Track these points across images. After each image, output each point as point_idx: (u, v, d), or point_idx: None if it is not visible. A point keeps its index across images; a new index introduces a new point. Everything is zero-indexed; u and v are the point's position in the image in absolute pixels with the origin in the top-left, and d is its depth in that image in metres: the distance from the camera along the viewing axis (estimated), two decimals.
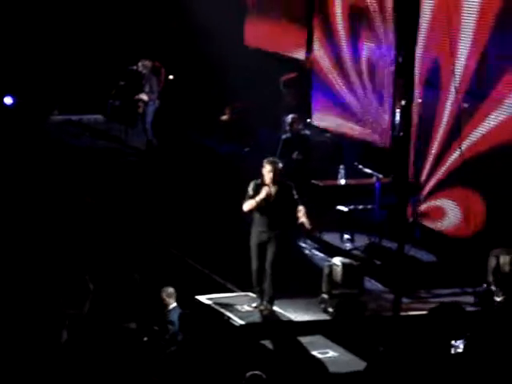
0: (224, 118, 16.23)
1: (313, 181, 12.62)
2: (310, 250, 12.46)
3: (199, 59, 16.35)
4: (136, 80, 16.19)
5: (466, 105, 11.76)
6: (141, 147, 16.11)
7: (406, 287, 9.69)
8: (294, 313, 10.51)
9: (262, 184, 10.23)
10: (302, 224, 10.33)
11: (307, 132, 13.98)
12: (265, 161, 10.31)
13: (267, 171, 10.18)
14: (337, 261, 10.74)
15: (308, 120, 14.62)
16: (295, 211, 10.29)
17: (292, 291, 10.90)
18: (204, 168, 14.93)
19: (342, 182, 12.73)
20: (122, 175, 14.86)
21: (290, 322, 10.39)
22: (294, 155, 13.15)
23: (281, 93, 15.67)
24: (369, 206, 12.28)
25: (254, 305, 10.51)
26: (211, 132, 16.43)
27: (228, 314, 10.44)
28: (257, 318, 10.42)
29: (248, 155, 15.13)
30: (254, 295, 10.79)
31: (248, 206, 10.25)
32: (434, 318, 9.47)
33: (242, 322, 10.29)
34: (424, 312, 10.30)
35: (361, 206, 12.31)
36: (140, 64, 15.94)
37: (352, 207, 12.31)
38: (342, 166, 12.79)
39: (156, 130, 16.02)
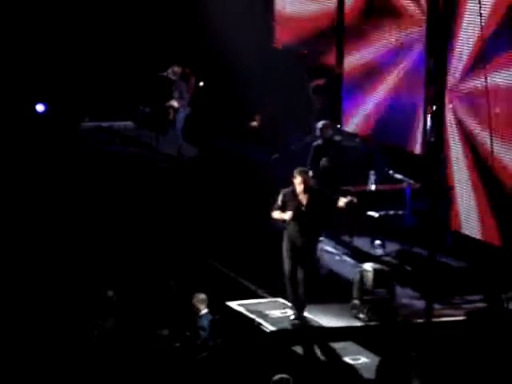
0: (254, 124, 16.24)
1: (343, 187, 12.59)
2: (340, 256, 12.44)
3: (230, 65, 16.37)
4: (166, 86, 16.25)
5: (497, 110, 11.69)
6: (172, 154, 16.15)
7: (437, 293, 9.62)
8: (325, 319, 10.49)
9: (293, 194, 10.31)
10: (344, 206, 10.37)
11: (338, 138, 13.96)
12: (295, 171, 10.38)
13: (298, 182, 10.27)
14: (368, 266, 10.72)
15: (338, 126, 14.60)
16: (333, 206, 10.39)
17: (323, 297, 10.88)
18: (233, 175, 14.95)
19: (373, 187, 12.70)
20: (152, 182, 14.90)
21: (322, 328, 10.37)
22: (323, 161, 13.14)
23: (310, 99, 15.66)
24: (400, 212, 12.24)
25: (289, 313, 10.44)
26: (241, 138, 16.45)
27: (259, 319, 10.44)
28: (288, 324, 10.41)
29: (277, 162, 15.13)
30: (284, 301, 10.80)
31: (275, 216, 10.41)
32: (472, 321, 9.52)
33: (273, 328, 10.29)
34: (456, 318, 10.40)
35: (392, 212, 12.28)
36: (170, 70, 15.99)
37: (383, 213, 12.28)
38: (372, 172, 12.76)
39: (189, 137, 16.06)
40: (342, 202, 10.36)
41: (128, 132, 17.48)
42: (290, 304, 10.50)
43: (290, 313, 10.46)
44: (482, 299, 10.77)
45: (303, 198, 10.28)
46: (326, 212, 10.52)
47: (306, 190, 10.25)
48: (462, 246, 11.93)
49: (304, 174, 10.35)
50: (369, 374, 9.25)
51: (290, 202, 10.33)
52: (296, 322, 10.35)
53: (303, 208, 10.27)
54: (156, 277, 11.32)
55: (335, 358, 9.84)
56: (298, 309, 10.38)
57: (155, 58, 16.98)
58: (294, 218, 10.27)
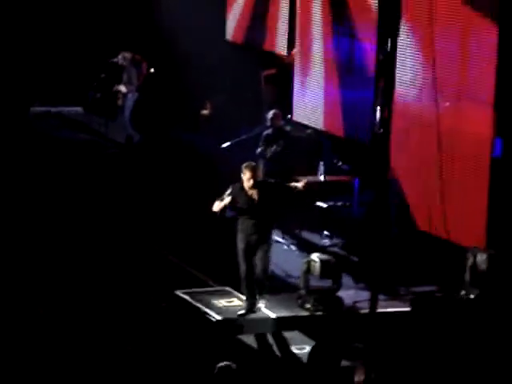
0: (205, 112, 16.19)
1: (292, 176, 12.61)
2: (288, 246, 12.47)
3: (180, 53, 16.31)
4: (117, 72, 16.13)
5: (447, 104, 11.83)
6: (121, 140, 16.06)
7: (382, 284, 9.71)
8: (272, 309, 10.51)
9: (242, 189, 10.24)
10: (296, 187, 10.44)
11: (288, 128, 13.98)
12: (243, 166, 10.28)
13: (246, 178, 10.19)
14: (315, 257, 10.76)
15: (288, 116, 14.62)
16: (289, 193, 10.43)
17: (270, 287, 10.90)
18: (183, 163, 14.91)
19: (322, 178, 12.74)
20: (101, 168, 14.81)
21: (268, 317, 10.40)
22: (273, 149, 13.15)
23: (261, 88, 15.66)
24: (348, 203, 12.30)
25: (242, 312, 10.35)
26: (191, 126, 16.40)
27: (205, 309, 10.43)
28: (234, 313, 10.41)
29: (227, 150, 15.11)
30: (232, 290, 10.80)
31: (216, 207, 10.29)
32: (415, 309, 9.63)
33: (219, 318, 10.29)
34: (400, 309, 10.51)
35: (340, 203, 12.34)
36: (120, 56, 15.89)
37: (331, 204, 12.33)
38: (321, 163, 12.81)
39: (136, 124, 15.97)
40: (300, 184, 10.37)
41: (77, 117, 17.35)
42: (247, 302, 10.40)
43: (243, 306, 10.40)
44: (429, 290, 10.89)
45: (253, 193, 10.22)
46: (278, 203, 10.49)
47: (255, 185, 10.20)
48: (408, 237, 12.06)
49: (252, 168, 10.25)
50: None
51: (240, 197, 10.24)
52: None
53: (255, 203, 10.20)
54: (104, 265, 11.24)
55: (281, 347, 9.87)
56: (252, 305, 10.33)
57: (106, 43, 16.85)
58: (246, 214, 10.19)
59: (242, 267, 10.33)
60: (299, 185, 10.46)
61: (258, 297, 10.37)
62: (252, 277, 10.30)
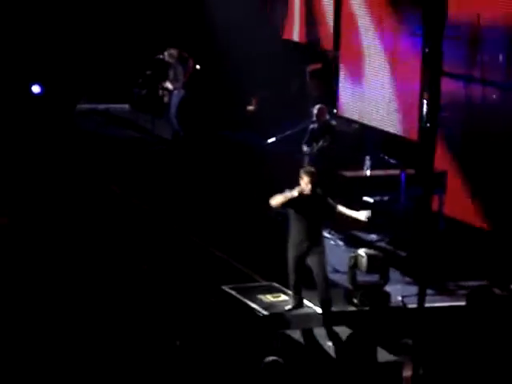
0: (250, 108, 16.21)
1: (339, 171, 12.58)
2: (335, 241, 12.44)
3: (226, 49, 16.32)
4: (163, 69, 16.20)
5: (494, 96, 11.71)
6: (167, 137, 16.12)
7: (430, 279, 9.63)
8: (319, 304, 10.49)
9: (299, 195, 9.95)
10: (355, 220, 10.20)
11: (333, 122, 13.94)
12: (302, 171, 10.05)
13: (305, 182, 9.92)
14: (362, 252, 10.72)
15: (334, 110, 14.57)
16: (334, 215, 10.22)
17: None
18: (230, 159, 14.93)
19: (368, 172, 12.68)
20: (147, 165, 14.89)
21: (315, 313, 10.38)
22: (319, 144, 13.12)
23: (307, 83, 15.63)
24: (394, 198, 12.22)
25: (290, 306, 10.27)
26: (237, 122, 16.42)
27: (252, 304, 10.45)
28: (281, 308, 10.42)
29: (273, 146, 15.11)
30: (279, 286, 10.81)
31: (277, 199, 9.95)
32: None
33: (266, 313, 10.29)
34: (449, 304, 10.42)
35: (386, 198, 12.26)
36: (166, 53, 15.95)
37: (378, 198, 12.27)
38: (367, 157, 12.73)
39: (182, 121, 16.03)
40: (364, 217, 10.15)
41: (124, 115, 17.46)
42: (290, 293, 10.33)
43: (290, 302, 10.32)
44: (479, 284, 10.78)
45: (310, 202, 9.93)
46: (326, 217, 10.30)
47: (314, 194, 9.94)
48: (456, 231, 11.96)
49: (311, 173, 9.98)
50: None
51: (296, 202, 9.96)
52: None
53: (310, 209, 9.93)
54: (149, 261, 11.30)
55: (327, 342, 9.84)
56: (300, 300, 10.23)
57: (153, 40, 16.93)
58: (300, 221, 9.94)
59: (292, 276, 10.12)
60: (362, 217, 10.20)
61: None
62: (300, 283, 10.10)
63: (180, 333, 9.67)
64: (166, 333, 9.67)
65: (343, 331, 10.01)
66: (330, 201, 10.21)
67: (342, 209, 10.21)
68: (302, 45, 16.14)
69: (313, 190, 9.96)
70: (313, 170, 10.17)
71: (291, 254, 10.08)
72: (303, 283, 10.15)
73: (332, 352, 9.59)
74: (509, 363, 8.97)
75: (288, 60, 15.91)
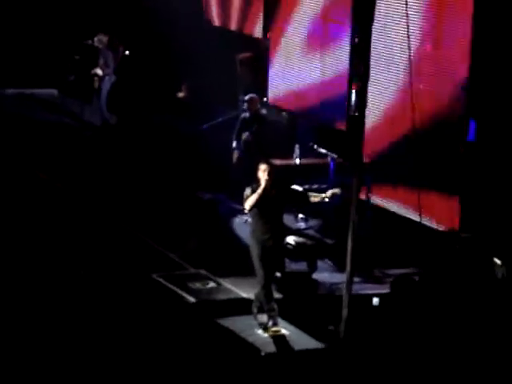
0: (180, 94, 16.15)
1: (268, 159, 12.60)
2: None
3: (156, 35, 16.23)
4: (92, 55, 16.03)
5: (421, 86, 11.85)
6: (96, 123, 15.97)
7: (358, 267, 9.73)
8: (245, 290, 10.52)
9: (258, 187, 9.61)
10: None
11: (264, 111, 13.97)
12: (260, 163, 9.70)
13: (262, 170, 9.57)
14: (290, 240, 10.76)
15: (264, 99, 14.60)
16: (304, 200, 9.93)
17: (245, 269, 10.91)
18: (161, 144, 14.86)
19: (297, 161, 12.74)
20: (76, 151, 14.73)
21: (243, 299, 10.40)
22: (247, 134, 13.15)
23: (237, 71, 15.63)
24: (323, 186, 12.31)
25: (263, 324, 9.69)
26: (168, 108, 16.35)
27: (180, 291, 10.43)
28: (209, 295, 10.41)
29: (205, 132, 15.10)
30: (206, 273, 10.80)
31: (250, 201, 9.53)
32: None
33: (193, 300, 10.28)
34: (376, 291, 10.55)
35: (315, 186, 12.34)
36: (96, 39, 15.79)
37: (307, 187, 12.34)
38: (297, 146, 12.81)
39: (112, 106, 15.89)
40: (327, 195, 9.88)
41: (52, 99, 17.22)
42: (270, 315, 9.72)
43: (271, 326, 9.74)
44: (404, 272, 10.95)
45: (271, 193, 9.57)
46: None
47: (273, 184, 9.56)
48: (383, 220, 12.11)
49: (268, 162, 9.65)
50: (290, 345, 9.35)
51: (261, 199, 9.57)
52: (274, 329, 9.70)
53: (272, 203, 9.58)
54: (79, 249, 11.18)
55: (255, 329, 9.87)
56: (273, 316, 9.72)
57: (82, 25, 16.73)
58: (263, 216, 9.58)
59: (260, 272, 9.62)
60: (328, 195, 9.90)
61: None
62: (271, 281, 9.74)
63: (110, 322, 9.61)
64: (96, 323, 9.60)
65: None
66: (295, 188, 10.02)
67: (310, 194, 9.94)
68: (235, 33, 16.13)
69: (271, 177, 9.59)
70: (270, 161, 9.85)
71: (256, 251, 9.68)
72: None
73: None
74: (432, 350, 9.15)
75: (218, 47, 15.87)
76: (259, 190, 9.53)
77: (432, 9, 11.73)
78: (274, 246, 9.66)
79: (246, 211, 9.78)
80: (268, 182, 9.53)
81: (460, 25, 11.22)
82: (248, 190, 9.65)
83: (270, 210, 9.62)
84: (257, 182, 9.66)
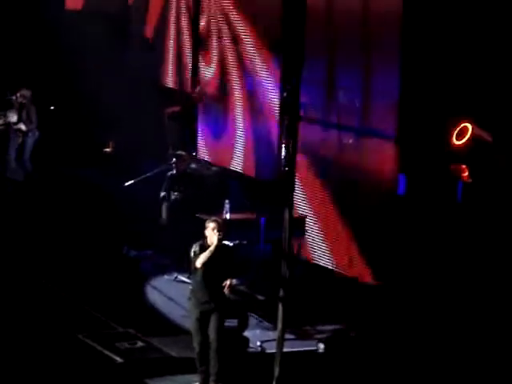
0: (107, 150, 15.98)
1: (197, 215, 12.47)
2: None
3: (82, 91, 16.08)
4: (15, 110, 15.77)
5: (350, 140, 11.90)
6: (19, 178, 15.66)
7: (289, 323, 9.60)
8: (176, 350, 10.29)
9: (205, 247, 9.39)
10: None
11: (193, 166, 13.88)
12: (208, 220, 9.55)
13: (211, 228, 9.38)
14: None
15: (193, 153, 14.51)
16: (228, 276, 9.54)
17: (177, 328, 10.70)
18: (84, 201, 14.62)
19: (227, 216, 12.62)
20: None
21: (172, 358, 10.17)
22: (177, 193, 13.05)
23: (165, 125, 15.53)
24: (253, 241, 12.20)
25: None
26: (94, 165, 16.15)
27: (107, 352, 10.15)
28: (137, 355, 10.15)
29: (131, 189, 14.89)
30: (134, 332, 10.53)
31: (202, 259, 9.31)
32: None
33: (121, 360, 10.02)
34: (307, 348, 10.43)
35: (245, 241, 12.22)
36: (19, 94, 15.57)
37: (236, 242, 12.20)
38: (226, 201, 12.69)
39: (36, 162, 15.62)
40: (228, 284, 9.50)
41: None
42: (200, 378, 9.54)
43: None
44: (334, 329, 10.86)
45: (216, 253, 9.34)
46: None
47: (220, 240, 9.39)
48: (313, 277, 12.04)
49: (217, 221, 9.45)
50: None
51: (199, 256, 9.40)
52: None
53: (215, 264, 9.32)
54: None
55: None
56: (214, 381, 9.45)
57: (3, 80, 16.48)
58: (203, 279, 9.31)
59: (196, 338, 9.45)
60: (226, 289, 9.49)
61: (211, 368, 9.44)
62: (207, 348, 9.44)
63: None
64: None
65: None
66: (233, 260, 9.66)
67: (231, 281, 9.53)
68: (163, 87, 16.08)
69: (221, 238, 9.41)
70: (218, 219, 9.66)
71: (193, 315, 9.46)
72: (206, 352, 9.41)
73: None
74: None
75: (145, 102, 15.80)
76: (212, 248, 9.35)
77: (360, 63, 11.83)
78: (211, 311, 9.43)
79: (197, 267, 9.45)
80: (220, 238, 9.36)
81: (389, 78, 11.32)
82: (196, 247, 9.45)
83: (211, 273, 9.40)
84: (203, 238, 9.46)
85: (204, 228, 9.54)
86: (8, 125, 15.51)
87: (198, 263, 9.39)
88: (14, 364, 9.64)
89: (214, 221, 9.53)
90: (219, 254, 9.44)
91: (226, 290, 9.49)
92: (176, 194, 13.01)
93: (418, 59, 10.97)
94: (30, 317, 10.77)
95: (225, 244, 9.81)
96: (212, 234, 9.44)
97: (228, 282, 9.50)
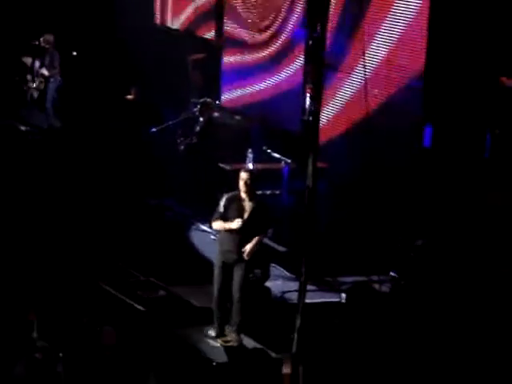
0: (130, 97, 15.85)
1: (220, 164, 12.39)
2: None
3: (106, 36, 15.96)
4: (39, 55, 15.70)
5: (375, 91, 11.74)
6: (42, 125, 15.64)
7: (311, 274, 9.55)
8: (197, 300, 10.29)
9: (237, 199, 9.33)
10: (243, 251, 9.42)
11: (217, 114, 13.78)
12: (241, 170, 9.49)
13: (242, 179, 9.29)
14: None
15: (217, 102, 14.40)
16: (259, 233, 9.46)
17: (198, 279, 10.67)
18: (109, 148, 14.57)
19: (250, 166, 12.52)
20: (21, 154, 14.37)
21: (193, 307, 10.18)
22: (191, 138, 12.99)
23: (189, 73, 15.40)
24: (277, 192, 12.12)
25: (213, 334, 9.57)
26: (116, 111, 16.06)
27: (129, 300, 10.15)
28: (159, 304, 10.16)
29: (154, 136, 14.83)
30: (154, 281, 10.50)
31: (217, 226, 9.39)
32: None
33: (143, 309, 10.03)
34: (330, 300, 10.39)
35: (269, 191, 12.14)
36: (42, 39, 15.47)
37: (260, 192, 12.12)
38: (249, 150, 12.60)
39: (59, 109, 15.56)
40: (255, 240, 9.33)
41: None
42: (216, 324, 9.61)
43: (220, 335, 9.59)
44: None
45: (247, 206, 9.30)
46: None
47: (250, 195, 9.26)
48: (338, 227, 11.97)
49: (250, 172, 9.34)
50: (241, 355, 9.19)
51: (231, 206, 9.32)
52: (232, 344, 9.48)
53: (245, 216, 9.22)
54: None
55: (207, 338, 9.65)
56: (234, 331, 9.50)
57: (28, 25, 16.40)
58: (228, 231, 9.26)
59: (216, 285, 9.41)
60: (247, 249, 9.35)
61: (231, 319, 9.49)
62: (225, 297, 9.47)
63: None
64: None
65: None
66: (268, 217, 9.50)
67: (259, 237, 9.42)
68: (187, 34, 15.93)
69: (248, 191, 9.31)
70: (250, 168, 9.62)
71: (217, 261, 9.45)
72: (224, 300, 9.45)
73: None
74: (387, 358, 9.01)
75: (171, 49, 15.68)
76: (232, 225, 9.23)
77: (385, 14, 11.63)
78: (235, 262, 9.38)
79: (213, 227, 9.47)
80: (242, 223, 9.20)
81: (415, 25, 11.12)
82: (223, 201, 9.28)
83: (244, 226, 9.29)
84: (237, 190, 9.33)
85: (232, 178, 9.48)
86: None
87: (214, 226, 9.38)
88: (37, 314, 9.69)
89: (246, 171, 9.46)
90: (253, 210, 9.32)
91: (250, 246, 9.32)
92: (188, 139, 12.92)
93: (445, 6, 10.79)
94: (54, 264, 10.79)
95: (260, 200, 9.61)
96: (242, 186, 9.31)
97: (257, 238, 9.39)
